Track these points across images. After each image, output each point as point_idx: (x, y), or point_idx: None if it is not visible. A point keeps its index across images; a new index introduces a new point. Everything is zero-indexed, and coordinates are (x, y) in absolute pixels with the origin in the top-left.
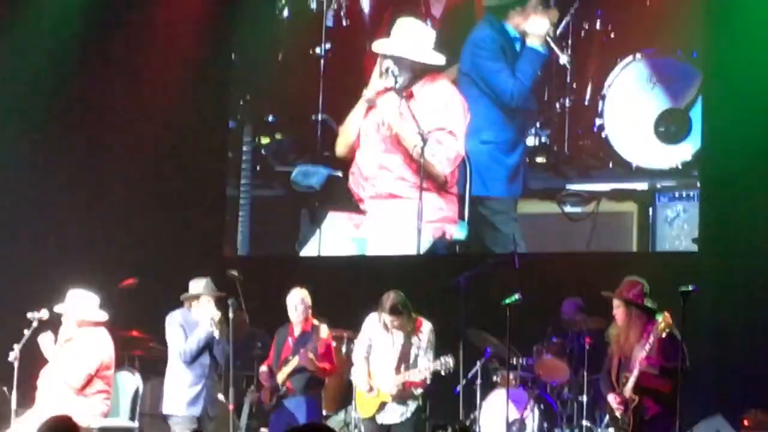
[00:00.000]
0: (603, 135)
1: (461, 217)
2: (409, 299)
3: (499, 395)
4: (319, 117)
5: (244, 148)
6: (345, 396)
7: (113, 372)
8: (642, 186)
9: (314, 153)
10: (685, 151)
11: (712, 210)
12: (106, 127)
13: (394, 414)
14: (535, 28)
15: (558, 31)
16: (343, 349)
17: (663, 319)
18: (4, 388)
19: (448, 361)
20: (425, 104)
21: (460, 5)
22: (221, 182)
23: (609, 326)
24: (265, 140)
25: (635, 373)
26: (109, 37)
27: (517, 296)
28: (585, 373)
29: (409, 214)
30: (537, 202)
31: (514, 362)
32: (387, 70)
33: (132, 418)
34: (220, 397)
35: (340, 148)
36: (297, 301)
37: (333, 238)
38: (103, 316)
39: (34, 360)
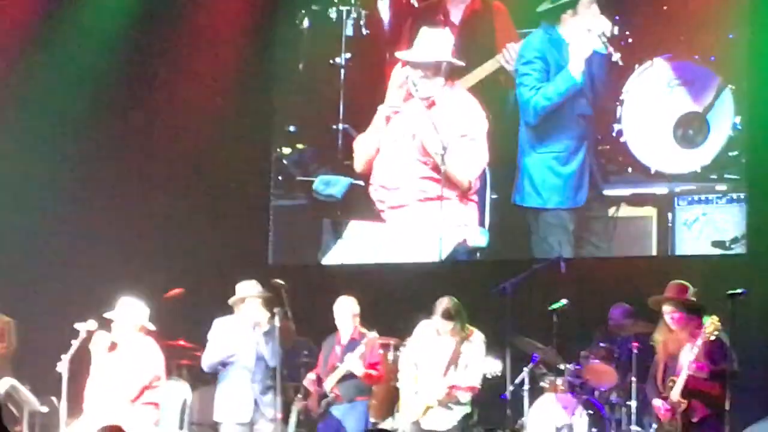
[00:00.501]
0: (622, 140)
1: (482, 223)
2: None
3: (547, 400)
4: (340, 126)
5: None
6: (393, 403)
7: (163, 382)
8: (661, 190)
9: (335, 162)
10: (704, 154)
11: (759, 212)
12: (152, 137)
13: (441, 420)
14: (591, 26)
15: None
16: (390, 357)
17: (711, 322)
18: (53, 398)
19: (495, 363)
20: (446, 112)
21: (479, 11)
22: (264, 191)
23: (655, 331)
24: (286, 150)
25: (683, 376)
26: (153, 46)
27: (564, 302)
28: (633, 378)
29: (431, 222)
30: None
31: (562, 367)
32: (407, 78)
33: (180, 428)
34: (269, 403)
35: (359, 163)
36: (345, 309)
37: (355, 246)
38: (151, 326)
39: (81, 370)
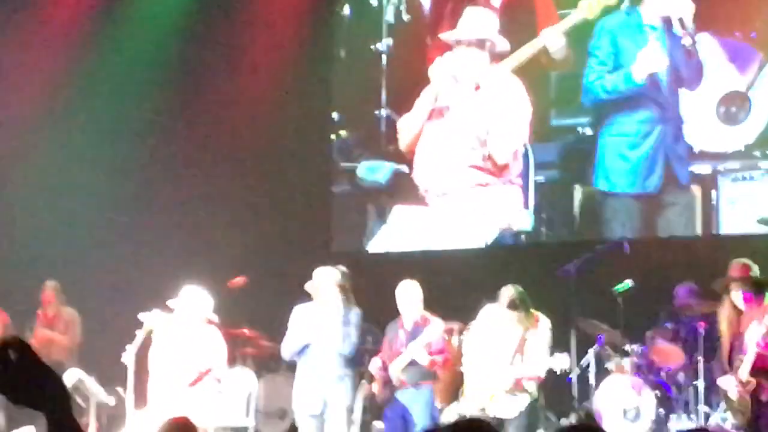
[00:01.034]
0: None
1: (526, 206)
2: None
3: (613, 382)
4: (383, 113)
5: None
6: (458, 387)
7: (226, 371)
8: (705, 169)
9: (378, 148)
10: (747, 132)
11: None
12: (214, 129)
13: (507, 408)
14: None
15: None
16: (455, 342)
17: None
18: (119, 389)
19: (564, 359)
20: (491, 95)
21: None
22: (325, 178)
23: (719, 310)
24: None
25: (750, 355)
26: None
27: (629, 283)
28: (700, 358)
29: (476, 206)
30: None
31: (628, 349)
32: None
33: (246, 416)
34: (342, 392)
35: (404, 142)
36: (409, 293)
37: (400, 231)
38: (215, 317)
39: (146, 360)
